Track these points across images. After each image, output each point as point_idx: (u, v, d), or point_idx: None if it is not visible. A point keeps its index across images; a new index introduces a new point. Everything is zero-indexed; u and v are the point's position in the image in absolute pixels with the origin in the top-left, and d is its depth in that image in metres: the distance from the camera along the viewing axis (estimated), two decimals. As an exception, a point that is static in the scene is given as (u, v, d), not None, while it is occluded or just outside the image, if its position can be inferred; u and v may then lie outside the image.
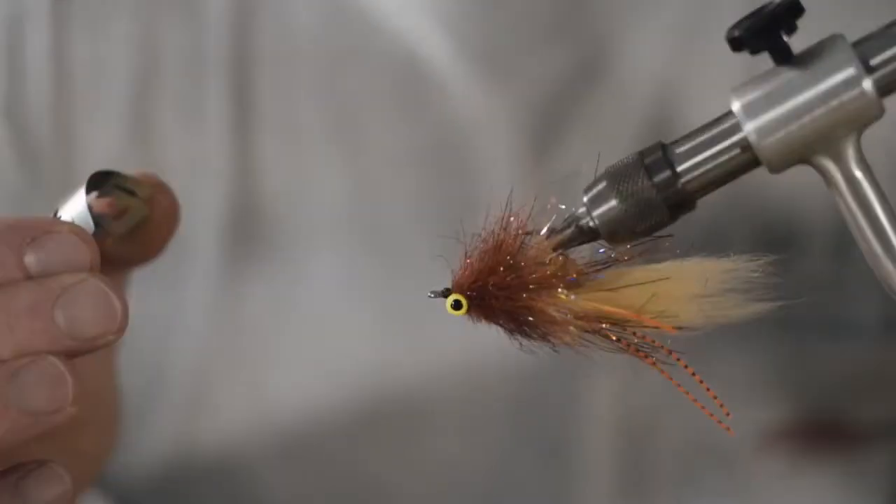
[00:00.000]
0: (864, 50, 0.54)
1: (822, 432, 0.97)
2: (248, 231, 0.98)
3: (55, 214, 0.62)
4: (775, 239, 0.97)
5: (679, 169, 0.56)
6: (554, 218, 0.59)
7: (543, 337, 0.58)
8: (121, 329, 0.58)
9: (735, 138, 0.55)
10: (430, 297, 0.60)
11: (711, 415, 0.59)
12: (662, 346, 0.58)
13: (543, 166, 0.95)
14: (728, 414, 0.59)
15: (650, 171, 0.56)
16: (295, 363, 0.98)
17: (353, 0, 0.97)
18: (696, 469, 0.97)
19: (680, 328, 0.58)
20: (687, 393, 0.59)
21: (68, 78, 0.97)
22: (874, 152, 0.57)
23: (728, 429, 0.59)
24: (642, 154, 0.57)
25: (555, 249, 0.58)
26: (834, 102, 0.54)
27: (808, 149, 0.55)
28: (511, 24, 0.96)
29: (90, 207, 0.61)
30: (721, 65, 0.96)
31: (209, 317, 0.98)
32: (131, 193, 0.65)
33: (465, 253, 0.59)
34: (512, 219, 0.59)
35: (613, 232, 0.57)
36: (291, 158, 0.97)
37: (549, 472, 0.98)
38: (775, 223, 0.97)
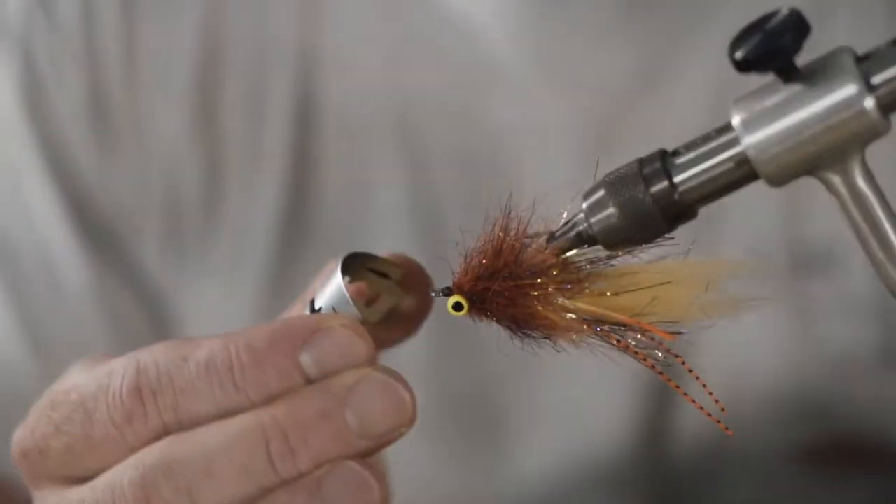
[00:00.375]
0: (867, 67, 0.53)
1: (855, 453, 0.97)
2: (304, 228, 0.97)
3: (312, 303, 0.60)
4: (816, 258, 0.96)
5: (676, 180, 0.56)
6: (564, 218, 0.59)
7: (544, 337, 0.59)
8: (412, 420, 0.56)
9: (733, 152, 0.55)
10: (431, 295, 0.61)
11: (709, 414, 0.59)
12: (661, 344, 0.58)
13: (599, 171, 0.95)
14: (723, 410, 0.59)
15: (648, 181, 0.56)
16: None
17: (417, 3, 0.96)
18: (726, 482, 0.98)
19: (677, 333, 0.58)
20: (685, 394, 0.59)
21: (138, 65, 0.97)
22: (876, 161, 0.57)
23: (726, 429, 0.59)
24: (641, 163, 0.57)
25: (554, 254, 0.58)
26: (834, 120, 0.53)
27: (809, 164, 0.54)
28: (574, 29, 0.95)
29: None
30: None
31: (261, 316, 0.97)
32: (384, 276, 0.63)
33: (466, 254, 0.59)
34: (513, 222, 0.59)
35: (611, 240, 0.57)
36: (351, 156, 0.97)
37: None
38: (817, 242, 0.97)
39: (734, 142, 0.55)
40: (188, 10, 0.97)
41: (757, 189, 0.96)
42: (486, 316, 0.59)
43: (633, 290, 0.57)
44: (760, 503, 0.97)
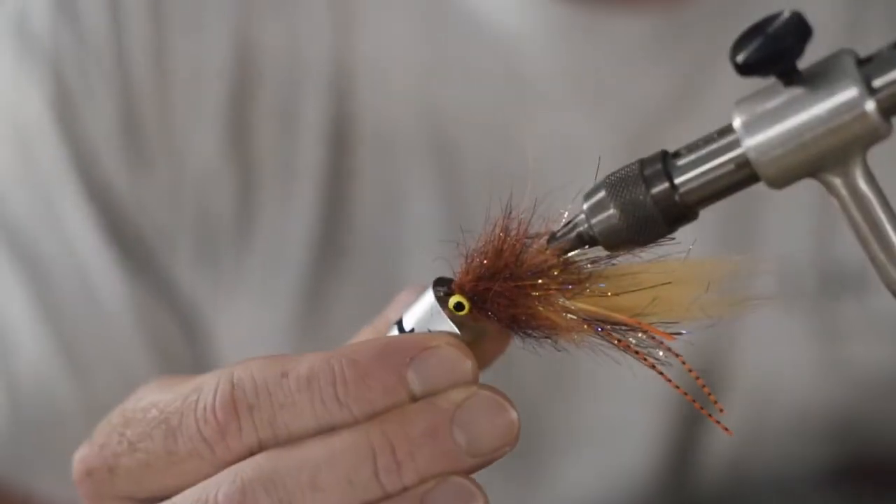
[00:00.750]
0: (868, 70, 0.53)
1: (885, 474, 0.97)
2: (338, 243, 0.97)
3: (400, 325, 0.59)
4: (848, 279, 0.97)
5: (677, 181, 0.56)
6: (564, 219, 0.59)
7: (545, 336, 0.59)
8: (517, 439, 0.56)
9: (734, 154, 0.55)
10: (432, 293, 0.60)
11: (710, 415, 0.59)
12: (662, 343, 0.58)
13: None
14: (722, 411, 0.59)
15: (648, 183, 0.56)
16: None
17: (455, 14, 0.96)
18: (750, 498, 0.97)
19: (677, 333, 0.57)
20: (685, 394, 0.59)
21: (168, 79, 0.96)
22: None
23: (726, 429, 0.59)
24: (642, 164, 0.57)
25: (555, 255, 0.58)
26: (835, 123, 0.53)
27: (810, 166, 0.54)
28: (609, 49, 0.96)
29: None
30: None
31: (295, 332, 0.97)
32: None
33: (467, 254, 0.60)
34: (514, 223, 0.59)
35: (612, 240, 0.57)
36: (385, 172, 0.96)
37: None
38: (848, 262, 0.97)
39: (735, 144, 0.55)
40: (219, 23, 0.96)
41: (788, 209, 0.97)
42: (487, 316, 0.59)
43: (634, 291, 0.57)
44: None
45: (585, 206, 0.58)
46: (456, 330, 0.57)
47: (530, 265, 0.58)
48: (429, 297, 0.59)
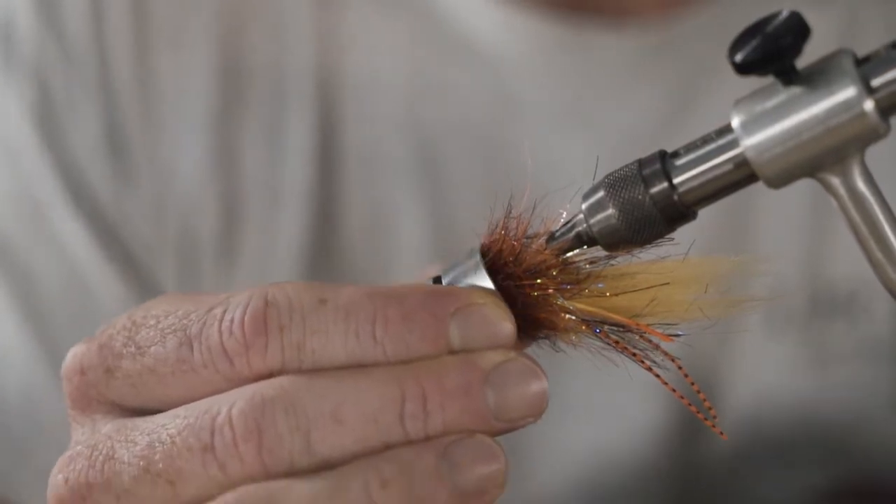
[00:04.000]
0: (867, 69, 0.53)
1: (876, 496, 0.97)
2: (326, 262, 0.96)
3: (438, 280, 0.58)
4: (839, 301, 0.97)
5: (676, 181, 0.56)
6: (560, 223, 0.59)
7: (542, 337, 0.58)
8: (543, 411, 0.55)
9: (733, 153, 0.55)
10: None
11: (705, 419, 0.59)
12: (658, 347, 0.58)
13: None
14: (715, 417, 0.59)
15: (647, 182, 0.56)
16: None
17: (442, 31, 0.97)
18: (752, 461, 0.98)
19: (675, 335, 0.57)
20: (681, 397, 0.59)
21: (153, 94, 0.96)
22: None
23: (721, 433, 0.59)
24: (641, 164, 0.57)
25: (553, 254, 0.58)
26: (834, 122, 0.53)
27: (809, 166, 0.54)
28: (599, 68, 0.96)
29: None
30: None
31: None
32: None
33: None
34: (513, 223, 0.59)
35: (610, 240, 0.57)
36: (373, 190, 0.96)
37: None
38: (840, 285, 0.97)
39: (734, 143, 0.55)
40: (205, 38, 0.96)
41: (780, 231, 0.97)
42: None
43: (633, 291, 0.57)
44: None
45: (584, 206, 0.58)
46: (496, 290, 0.57)
47: (529, 265, 0.58)
48: (476, 260, 0.58)
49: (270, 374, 0.53)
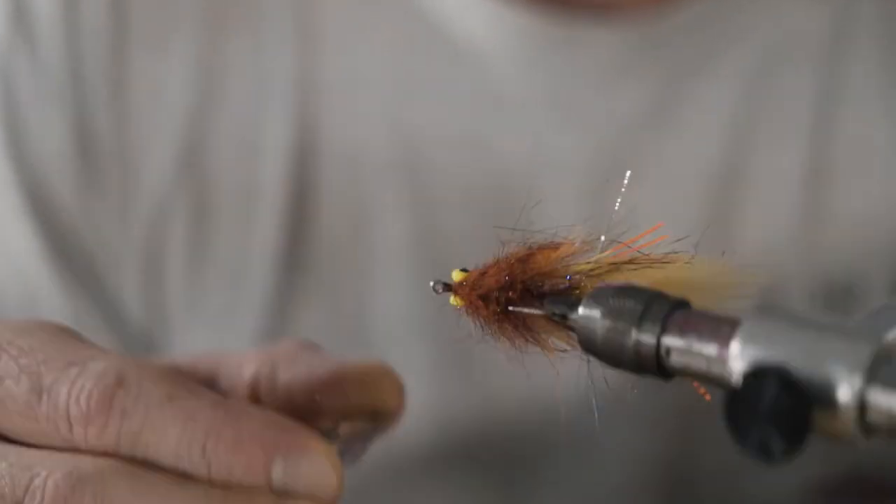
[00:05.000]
0: (873, 373, 0.51)
1: (870, 489, 0.98)
2: (302, 266, 0.95)
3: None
4: (835, 292, 0.96)
5: (665, 341, 0.56)
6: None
7: (530, 338, 0.60)
8: None
9: (720, 371, 0.54)
10: (431, 285, 0.61)
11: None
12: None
13: (608, 205, 0.94)
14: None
15: (640, 326, 0.56)
16: None
17: (426, 31, 0.93)
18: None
19: None
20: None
21: (127, 102, 0.93)
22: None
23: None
24: (647, 306, 0.56)
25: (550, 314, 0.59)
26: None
27: None
28: (584, 64, 0.93)
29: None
30: (790, 109, 0.94)
31: (254, 341, 0.96)
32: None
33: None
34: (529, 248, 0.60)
35: (586, 347, 0.58)
36: (352, 192, 0.94)
37: None
38: (836, 276, 0.96)
39: (722, 361, 0.54)
40: (185, 42, 0.95)
41: (775, 222, 0.97)
42: (479, 303, 0.60)
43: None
44: None
45: (581, 311, 0.58)
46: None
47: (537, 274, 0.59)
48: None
49: (104, 452, 0.56)
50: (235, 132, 0.96)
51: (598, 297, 0.58)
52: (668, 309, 0.56)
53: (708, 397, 0.58)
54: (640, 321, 0.56)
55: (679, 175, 0.97)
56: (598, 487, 0.99)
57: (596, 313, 0.57)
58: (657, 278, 0.58)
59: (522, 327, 0.59)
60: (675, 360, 0.56)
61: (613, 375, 0.59)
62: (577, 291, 0.60)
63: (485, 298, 0.60)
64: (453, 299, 0.61)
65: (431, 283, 0.61)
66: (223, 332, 0.97)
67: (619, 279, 0.59)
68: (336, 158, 0.96)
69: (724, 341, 0.55)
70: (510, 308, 0.59)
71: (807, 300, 0.98)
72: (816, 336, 0.52)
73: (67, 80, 0.96)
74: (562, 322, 0.59)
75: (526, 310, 0.60)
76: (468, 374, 0.96)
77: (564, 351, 0.59)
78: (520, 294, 0.60)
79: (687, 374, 0.56)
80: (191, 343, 0.97)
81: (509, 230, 0.91)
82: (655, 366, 0.56)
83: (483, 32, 0.96)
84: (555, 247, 0.60)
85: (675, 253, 0.59)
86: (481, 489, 0.99)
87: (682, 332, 0.56)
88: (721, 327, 0.55)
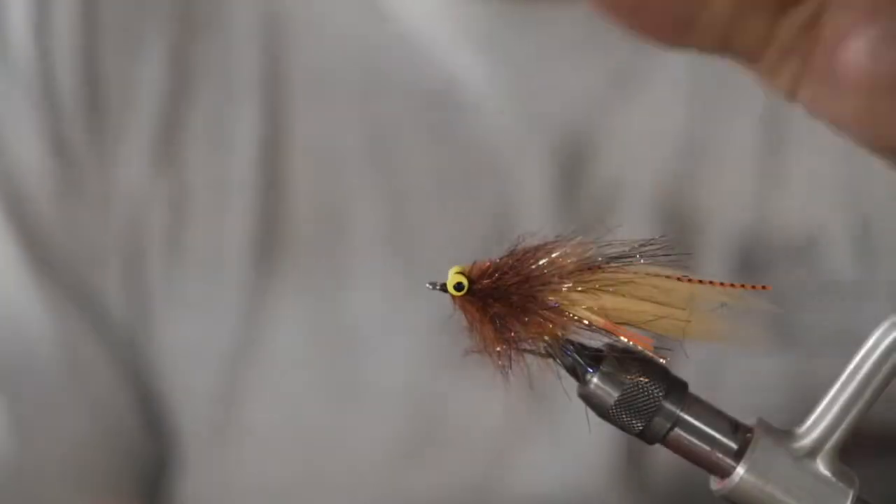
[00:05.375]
0: None
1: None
2: (277, 257, 0.96)
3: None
4: (794, 248, 0.98)
5: (675, 432, 0.58)
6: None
7: (532, 337, 0.59)
8: None
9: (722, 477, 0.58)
10: (428, 287, 0.59)
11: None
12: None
13: (577, 184, 0.96)
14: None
15: (656, 411, 0.58)
16: (327, 390, 0.97)
17: (386, 22, 0.94)
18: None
19: (664, 349, 0.59)
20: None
21: (99, 100, 0.94)
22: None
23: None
24: (668, 391, 0.58)
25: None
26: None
27: None
28: (542, 44, 0.94)
29: None
30: (747, 85, 0.90)
31: (237, 344, 0.96)
32: None
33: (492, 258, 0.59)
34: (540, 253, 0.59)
35: (596, 412, 0.59)
36: (325, 181, 0.95)
37: None
38: (793, 230, 0.98)
39: (728, 467, 0.58)
40: (156, 40, 0.97)
41: (732, 178, 0.97)
42: (477, 311, 0.59)
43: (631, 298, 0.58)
44: None
45: (596, 379, 0.58)
46: None
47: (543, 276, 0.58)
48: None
49: None
50: (207, 128, 0.97)
51: (613, 377, 0.58)
52: (682, 391, 0.59)
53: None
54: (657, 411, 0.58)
55: (645, 146, 0.98)
56: (554, 470, 0.99)
57: (613, 393, 0.59)
58: (655, 295, 0.58)
59: (514, 349, 0.59)
60: (684, 442, 0.60)
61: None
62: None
63: (483, 307, 0.59)
64: (456, 285, 0.59)
65: (428, 285, 0.59)
66: (202, 324, 0.98)
67: (616, 297, 0.59)
68: (307, 150, 0.97)
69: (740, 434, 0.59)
70: (518, 348, 0.59)
71: (768, 254, 0.98)
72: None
73: (40, 83, 0.96)
74: (570, 373, 0.59)
75: (531, 351, 0.59)
76: (446, 364, 0.96)
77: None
78: (516, 303, 0.58)
79: (689, 457, 0.60)
80: (171, 336, 0.98)
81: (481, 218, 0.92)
82: (660, 438, 0.59)
83: (441, 25, 0.97)
84: (548, 250, 0.59)
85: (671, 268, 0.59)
86: (456, 474, 1.00)
87: (699, 418, 0.59)
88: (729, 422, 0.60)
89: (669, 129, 0.98)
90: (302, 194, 0.97)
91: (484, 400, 0.97)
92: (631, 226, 0.83)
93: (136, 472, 1.00)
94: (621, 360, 0.57)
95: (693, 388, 0.59)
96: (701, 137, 0.99)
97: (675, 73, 0.97)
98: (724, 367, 0.98)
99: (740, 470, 0.57)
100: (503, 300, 0.57)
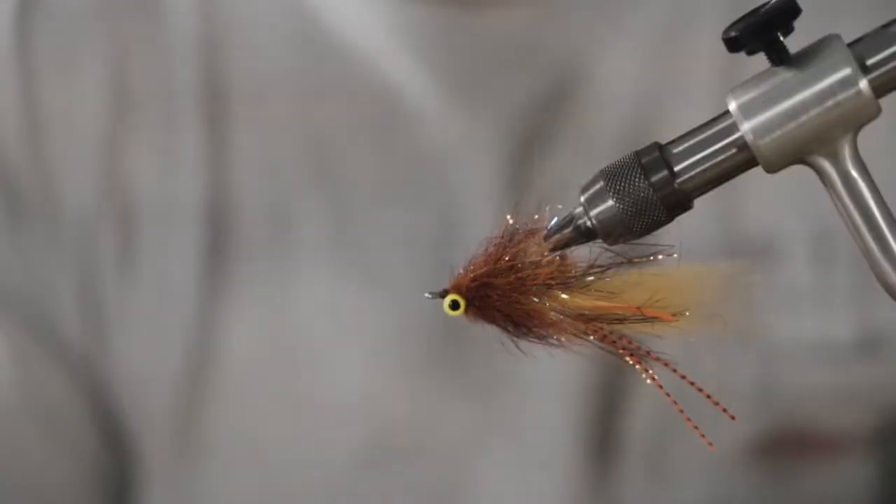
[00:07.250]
0: (860, 50, 0.54)
1: (802, 444, 0.99)
2: (227, 271, 0.97)
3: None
4: (755, 251, 0.98)
5: (676, 169, 0.56)
6: (553, 220, 0.59)
7: (540, 337, 0.58)
8: None
9: (732, 138, 0.56)
10: (427, 297, 0.59)
11: (695, 427, 0.59)
12: (650, 352, 0.59)
13: (522, 187, 0.96)
14: (734, 418, 0.60)
15: (647, 171, 0.56)
16: (283, 402, 0.98)
17: (322, 32, 0.95)
18: (674, 480, 0.98)
19: (679, 317, 0.58)
20: (675, 403, 0.59)
21: (41, 125, 0.94)
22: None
23: (710, 443, 0.59)
24: (638, 154, 0.57)
25: (552, 250, 0.58)
26: (830, 102, 0.54)
27: (804, 148, 0.55)
28: (482, 48, 0.95)
29: None
30: (696, 76, 0.96)
31: (192, 363, 0.97)
32: None
33: (469, 259, 0.59)
34: (512, 222, 0.58)
35: (610, 232, 0.57)
36: (270, 198, 0.96)
37: None
38: (755, 236, 0.98)
39: (732, 128, 0.55)
40: (93, 61, 0.97)
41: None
42: (483, 316, 0.58)
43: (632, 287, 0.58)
44: (713, 501, 0.99)
45: (583, 199, 0.58)
46: None
47: (527, 262, 0.58)
48: None
49: None
50: (151, 146, 0.97)
51: (592, 184, 0.58)
52: (654, 147, 0.57)
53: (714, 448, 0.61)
54: (642, 168, 0.57)
55: (591, 148, 0.97)
56: (521, 466, 0.99)
57: (601, 188, 0.57)
58: (649, 285, 0.58)
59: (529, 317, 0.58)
60: (692, 169, 0.57)
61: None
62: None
63: (483, 298, 0.58)
64: (451, 306, 0.59)
65: (427, 295, 0.59)
66: (155, 345, 0.97)
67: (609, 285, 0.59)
68: (250, 163, 0.97)
69: (722, 116, 0.56)
70: (555, 253, 0.58)
71: (726, 254, 0.98)
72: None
73: None
74: (575, 238, 0.58)
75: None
76: (403, 370, 0.97)
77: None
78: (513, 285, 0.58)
79: (708, 177, 0.57)
80: (126, 357, 0.98)
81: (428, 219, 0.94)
82: (680, 193, 0.57)
83: (377, 32, 0.97)
84: (531, 233, 0.59)
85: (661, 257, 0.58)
86: (419, 485, 0.99)
87: (683, 138, 0.57)
88: (707, 121, 0.57)
89: (614, 127, 0.98)
90: (248, 207, 0.97)
91: (444, 406, 0.98)
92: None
93: (97, 491, 1.00)
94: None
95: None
96: (647, 135, 0.94)
97: (617, 70, 0.98)
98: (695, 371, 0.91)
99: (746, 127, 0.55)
100: (504, 298, 0.57)
